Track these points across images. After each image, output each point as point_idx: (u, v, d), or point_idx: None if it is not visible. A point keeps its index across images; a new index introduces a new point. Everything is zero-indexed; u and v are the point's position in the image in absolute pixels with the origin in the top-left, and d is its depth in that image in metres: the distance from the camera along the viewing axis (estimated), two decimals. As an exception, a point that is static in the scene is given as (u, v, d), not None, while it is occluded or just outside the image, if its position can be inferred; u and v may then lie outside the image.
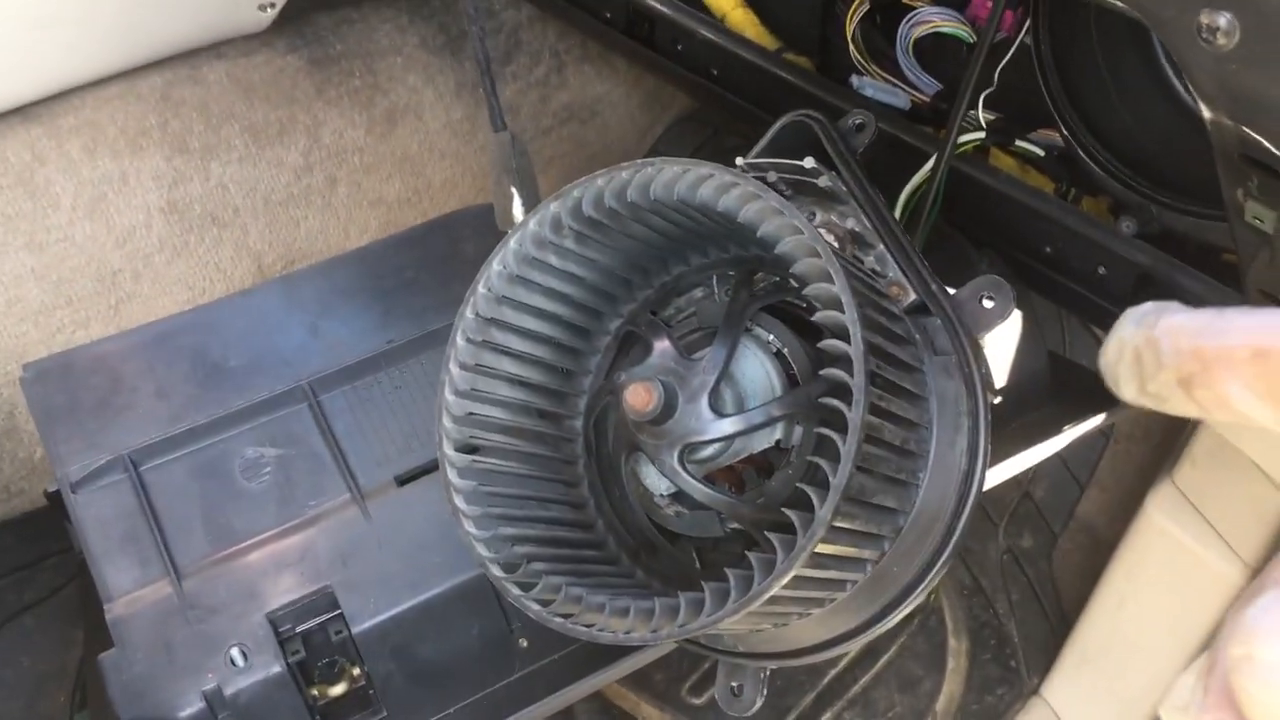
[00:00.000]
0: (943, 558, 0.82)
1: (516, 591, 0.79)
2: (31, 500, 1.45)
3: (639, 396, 0.76)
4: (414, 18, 1.73)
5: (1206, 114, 0.61)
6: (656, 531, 0.88)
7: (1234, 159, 0.63)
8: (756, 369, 0.83)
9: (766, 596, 0.71)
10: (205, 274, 1.56)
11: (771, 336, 0.85)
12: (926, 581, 0.83)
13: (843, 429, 0.71)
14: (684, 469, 0.80)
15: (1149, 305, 0.43)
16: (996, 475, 1.04)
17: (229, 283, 1.57)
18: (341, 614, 0.99)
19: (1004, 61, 1.20)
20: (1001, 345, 1.05)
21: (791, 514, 0.71)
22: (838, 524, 0.72)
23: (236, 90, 1.57)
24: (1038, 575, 1.60)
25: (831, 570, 0.77)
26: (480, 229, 1.19)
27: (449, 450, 0.83)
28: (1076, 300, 1.25)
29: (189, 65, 1.54)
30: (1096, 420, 1.12)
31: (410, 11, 1.73)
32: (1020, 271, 1.27)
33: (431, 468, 1.06)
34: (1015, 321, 1.06)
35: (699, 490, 0.79)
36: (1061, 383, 1.23)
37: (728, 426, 0.79)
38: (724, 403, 0.81)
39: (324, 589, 1.00)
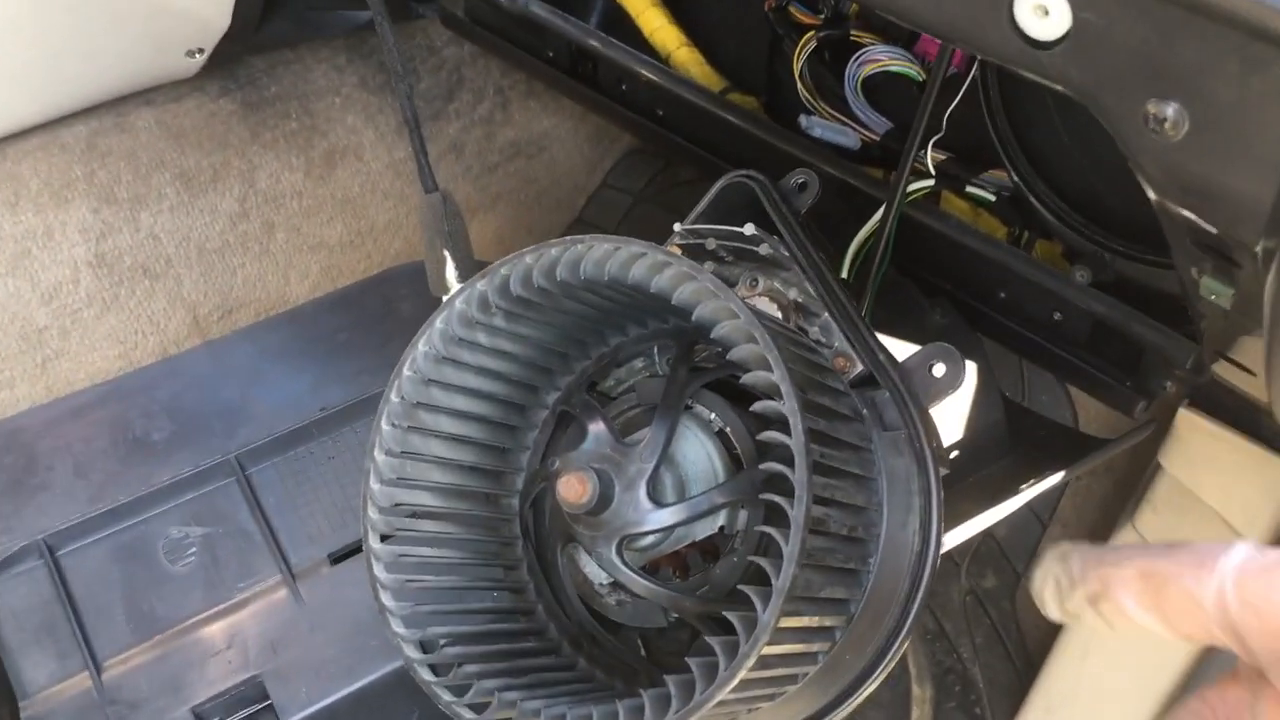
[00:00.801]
0: (898, 640, 0.79)
1: (448, 697, 0.74)
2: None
3: (572, 488, 0.72)
4: (352, 57, 1.68)
5: (1153, 198, 0.58)
6: (596, 622, 0.84)
7: (1185, 242, 0.60)
8: (697, 451, 0.79)
9: (711, 705, 0.67)
10: (137, 327, 1.50)
11: (713, 415, 0.81)
12: (882, 666, 0.80)
13: (785, 524, 0.67)
14: (622, 561, 0.76)
15: (1065, 544, 0.57)
16: (954, 538, 1.01)
17: (162, 335, 1.51)
18: (271, 705, 0.95)
19: (953, 105, 1.17)
20: (955, 401, 1.02)
21: (733, 617, 0.68)
22: (784, 624, 0.68)
23: (166, 137, 1.52)
24: (1001, 616, 1.57)
25: (779, 668, 0.73)
26: (417, 287, 1.15)
27: (374, 543, 0.79)
28: (1033, 347, 1.22)
29: (115, 113, 1.48)
30: (1056, 477, 1.09)
31: (348, 51, 1.69)
32: (974, 318, 1.24)
33: (367, 544, 1.01)
34: (969, 383, 1.03)
35: (639, 584, 0.76)
36: (1019, 432, 1.20)
37: (667, 517, 0.75)
38: (664, 490, 0.77)
39: (253, 679, 0.96)
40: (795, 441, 0.67)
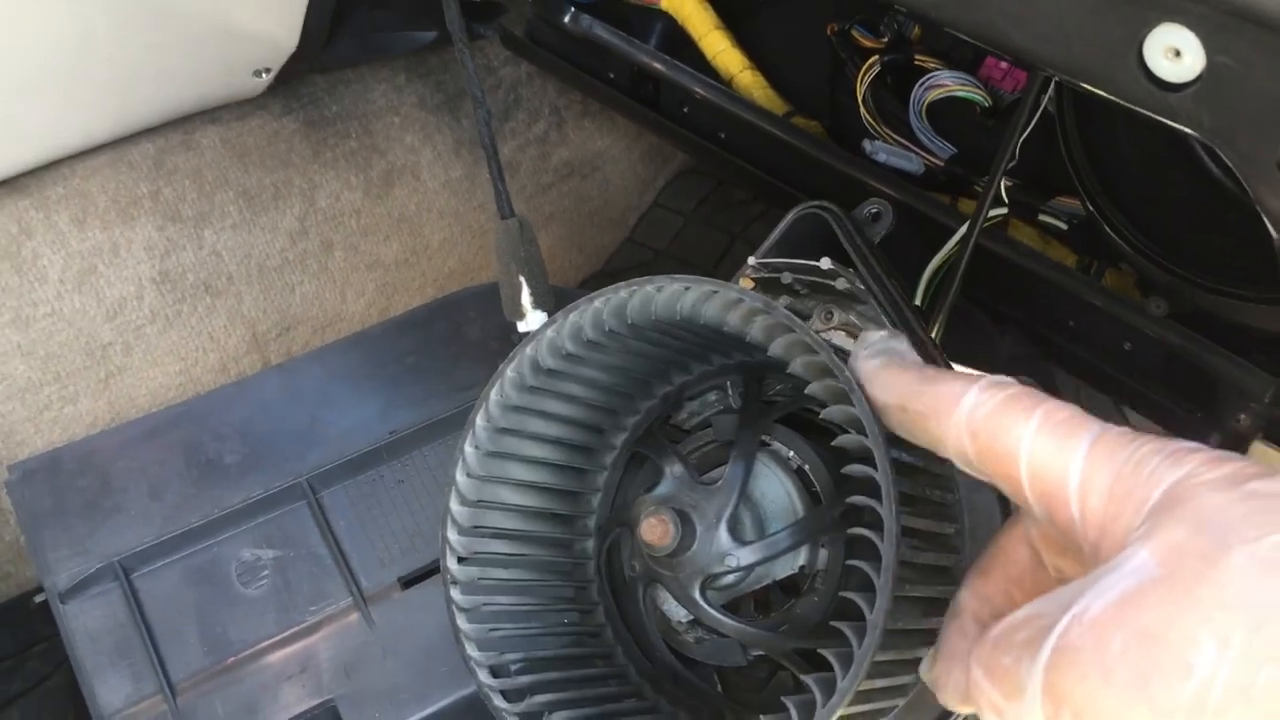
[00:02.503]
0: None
1: (522, 728, 0.74)
2: (19, 584, 1.40)
3: (655, 531, 0.72)
4: (411, 77, 1.69)
5: (1276, 237, 0.57)
6: (676, 658, 0.83)
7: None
8: (776, 489, 0.78)
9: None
10: (198, 344, 1.51)
11: (791, 453, 0.80)
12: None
13: (870, 557, 0.66)
14: (705, 600, 0.75)
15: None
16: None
17: (222, 352, 1.52)
18: (345, 730, 0.95)
19: (1025, 133, 1.16)
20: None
21: (829, 653, 0.67)
22: (878, 658, 0.67)
23: (230, 155, 1.53)
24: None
25: (873, 703, 0.72)
26: (484, 310, 1.15)
27: (452, 563, 0.79)
28: (1101, 376, 1.21)
29: (182, 131, 1.50)
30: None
31: (407, 71, 1.69)
32: (1043, 345, 1.23)
33: (436, 568, 1.01)
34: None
35: (725, 624, 0.75)
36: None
37: (749, 555, 0.74)
38: (743, 528, 0.76)
39: (326, 703, 0.95)
40: (881, 474, 0.66)
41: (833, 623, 0.70)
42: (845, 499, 0.74)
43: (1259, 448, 1.12)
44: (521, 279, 1.00)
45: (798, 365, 0.70)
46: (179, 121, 1.49)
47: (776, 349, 0.71)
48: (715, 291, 0.72)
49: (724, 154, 1.46)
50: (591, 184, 1.88)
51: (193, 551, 1.02)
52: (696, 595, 0.75)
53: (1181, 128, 0.53)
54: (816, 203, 0.90)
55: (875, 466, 0.67)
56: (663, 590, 0.81)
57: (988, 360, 1.15)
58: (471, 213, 1.76)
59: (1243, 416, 1.12)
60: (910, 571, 0.70)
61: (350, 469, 1.06)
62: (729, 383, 0.87)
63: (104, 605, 0.98)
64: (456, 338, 1.14)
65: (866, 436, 0.67)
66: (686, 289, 0.73)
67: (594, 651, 0.84)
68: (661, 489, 0.79)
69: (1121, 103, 0.55)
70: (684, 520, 0.74)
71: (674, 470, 0.79)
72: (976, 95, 1.31)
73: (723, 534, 0.74)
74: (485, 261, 1.74)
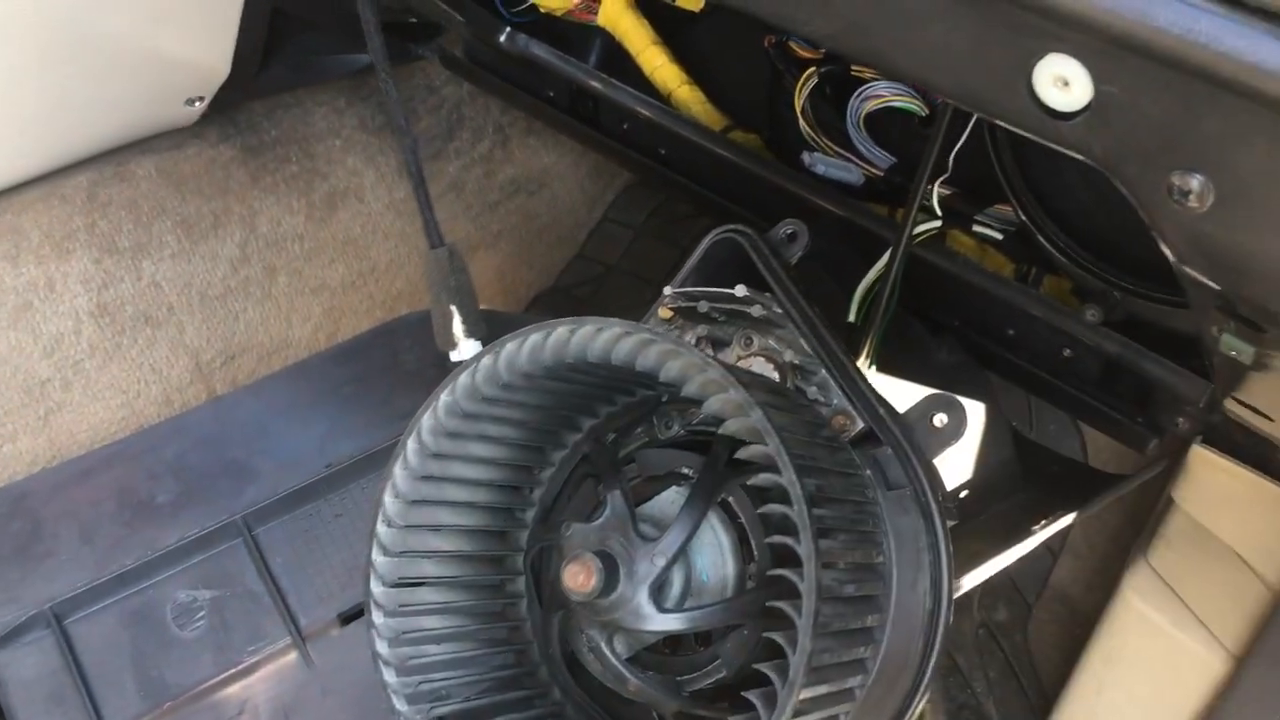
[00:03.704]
0: (913, 705, 0.78)
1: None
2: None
3: (577, 577, 0.71)
4: (351, 99, 1.68)
5: (1175, 264, 0.57)
6: (612, 695, 0.83)
7: (1208, 306, 0.59)
8: (714, 554, 0.78)
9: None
10: (140, 376, 1.49)
11: (740, 512, 0.79)
12: (899, 731, 0.79)
13: (796, 595, 0.66)
14: (613, 652, 0.75)
15: None
16: (968, 581, 1.00)
17: (165, 384, 1.50)
18: (285, 772, 0.93)
19: (959, 144, 1.16)
20: (963, 443, 1.01)
21: (754, 696, 0.66)
22: (804, 696, 0.67)
23: (167, 185, 1.51)
24: (1014, 649, 1.56)
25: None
26: (421, 337, 1.14)
27: (378, 618, 0.78)
28: (1042, 384, 1.21)
29: (115, 162, 1.48)
30: (1069, 518, 1.08)
31: (348, 93, 1.68)
32: (983, 355, 1.23)
33: (377, 603, 1.00)
34: (975, 428, 1.02)
35: (629, 681, 0.75)
36: (1030, 468, 1.19)
37: (669, 624, 0.74)
38: (670, 591, 0.75)
39: (266, 745, 0.94)
40: (797, 510, 0.66)
41: (755, 665, 0.70)
42: (769, 571, 0.74)
43: (1197, 451, 1.12)
44: (453, 308, 0.99)
45: (712, 404, 0.70)
46: (112, 152, 1.47)
47: (691, 389, 0.70)
48: (626, 334, 0.72)
49: (665, 171, 1.45)
50: (539, 201, 1.87)
51: (127, 595, 1.00)
52: (604, 647, 0.75)
53: (1073, 154, 0.53)
54: (731, 226, 0.90)
55: (791, 503, 0.67)
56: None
57: (925, 370, 1.15)
58: (418, 233, 1.74)
59: (1181, 420, 1.12)
60: (832, 606, 0.70)
61: (287, 504, 1.05)
62: (655, 417, 0.87)
63: (37, 653, 0.96)
64: (394, 366, 1.13)
65: (780, 474, 0.67)
66: (599, 331, 0.73)
67: (529, 693, 0.83)
68: (598, 521, 0.79)
69: (1015, 130, 0.55)
70: (609, 569, 0.73)
71: (615, 503, 0.78)
72: (913, 105, 1.30)
73: (644, 595, 0.73)
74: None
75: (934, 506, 0.80)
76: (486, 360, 0.77)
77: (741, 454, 0.70)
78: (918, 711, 0.79)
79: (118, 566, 1.00)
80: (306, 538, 1.03)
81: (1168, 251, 0.55)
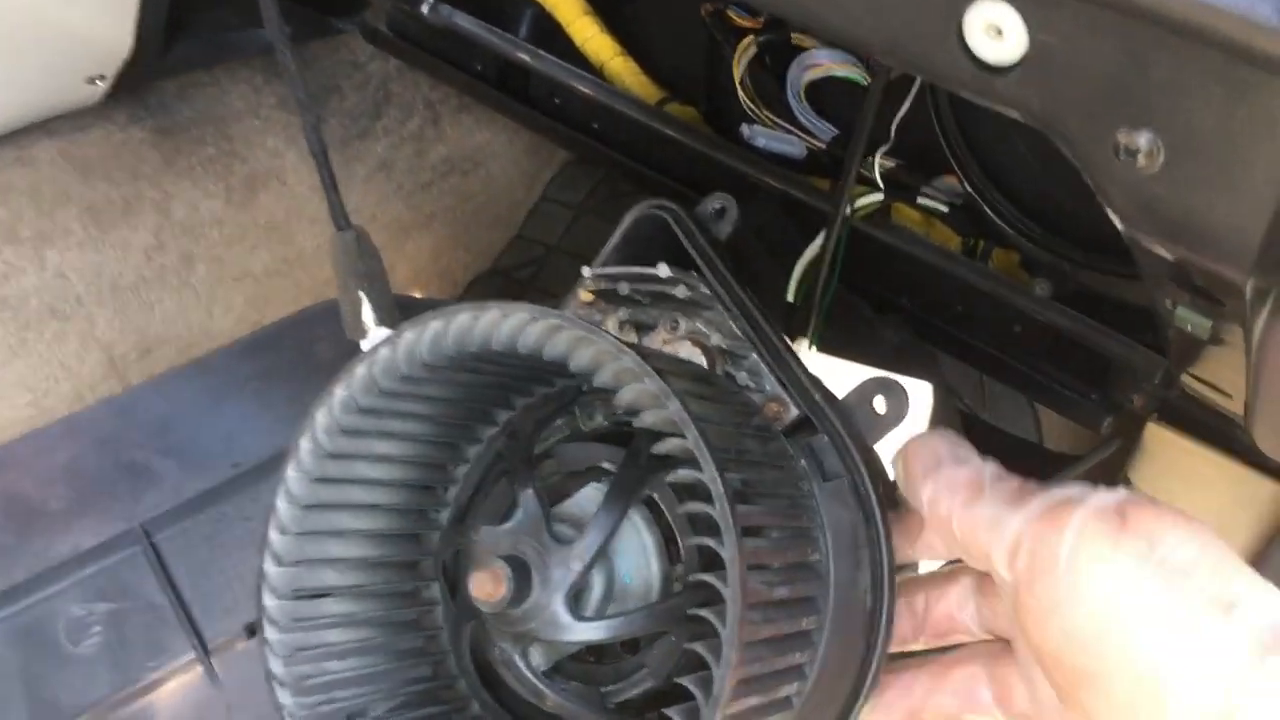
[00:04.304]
0: (854, 712, 0.73)
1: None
2: None
3: (484, 586, 0.65)
4: (269, 76, 1.60)
5: (1124, 231, 0.52)
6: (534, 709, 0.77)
7: (1161, 277, 0.54)
8: (636, 556, 0.71)
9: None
10: (49, 373, 1.41)
11: (664, 507, 0.73)
12: (842, 738, 0.73)
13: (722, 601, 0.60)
14: (524, 663, 0.69)
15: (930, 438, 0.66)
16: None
17: (76, 380, 1.42)
18: (188, 798, 0.87)
19: (901, 112, 1.11)
20: (907, 427, 0.96)
21: (675, 713, 0.61)
22: (731, 710, 0.61)
23: (71, 169, 1.42)
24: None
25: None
26: (334, 327, 1.07)
27: (271, 635, 0.71)
28: (993, 362, 1.17)
29: (14, 146, 1.39)
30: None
31: (265, 70, 1.60)
32: (930, 333, 1.19)
33: (288, 611, 0.93)
34: (920, 410, 0.97)
35: (546, 698, 0.69)
36: (982, 450, 1.14)
37: (587, 633, 0.67)
38: (589, 598, 0.69)
39: (167, 769, 0.87)
40: (719, 509, 0.60)
41: (677, 679, 0.64)
42: (690, 576, 0.68)
43: (1153, 429, 1.08)
44: (361, 294, 0.92)
45: (626, 394, 0.64)
46: (9, 136, 1.39)
47: (604, 378, 0.64)
48: (531, 319, 0.65)
49: (600, 147, 1.39)
50: (474, 180, 1.80)
51: (15, 610, 0.93)
52: (517, 659, 0.69)
53: (1010, 112, 0.48)
54: (655, 201, 0.83)
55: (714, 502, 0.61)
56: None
57: (870, 350, 1.10)
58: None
59: (1136, 398, 1.08)
60: (762, 612, 0.64)
61: (190, 509, 0.98)
62: (578, 408, 0.80)
63: (-87, 678, 0.89)
64: (306, 359, 1.06)
65: (701, 471, 0.61)
66: (505, 317, 0.66)
67: (448, 707, 0.77)
68: (510, 524, 0.72)
69: (945, 87, 0.49)
70: (520, 575, 0.67)
71: (528, 503, 0.72)
72: (856, 74, 1.25)
73: (560, 603, 0.67)
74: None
75: (873, 497, 0.74)
76: (384, 351, 0.71)
77: (659, 448, 0.64)
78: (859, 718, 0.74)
79: (5, 581, 0.93)
80: (211, 544, 0.96)
81: (1116, 218, 0.50)
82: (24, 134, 1.40)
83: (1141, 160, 0.45)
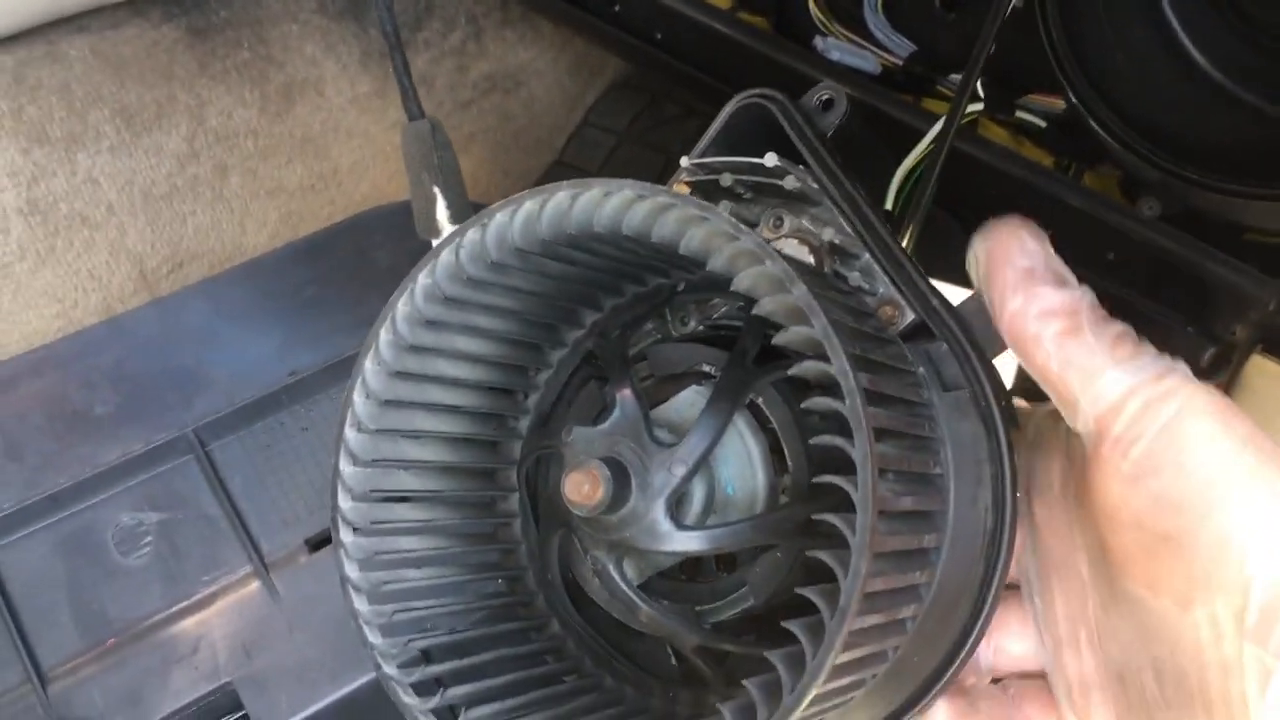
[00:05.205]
0: (971, 638, 0.67)
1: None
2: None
3: (581, 488, 0.59)
4: (309, -21, 1.52)
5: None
6: (620, 627, 0.71)
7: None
8: (740, 463, 0.66)
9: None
10: (77, 283, 1.35)
11: (769, 414, 0.67)
12: (954, 668, 0.68)
13: (846, 507, 0.55)
14: (619, 575, 0.64)
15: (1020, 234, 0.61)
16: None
17: (105, 291, 1.36)
18: (246, 716, 0.82)
19: (1001, 19, 1.04)
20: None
21: (795, 626, 0.55)
22: (855, 626, 0.56)
23: (104, 68, 1.35)
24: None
25: (842, 678, 0.61)
26: (394, 232, 1.01)
27: (346, 537, 0.66)
28: (1082, 289, 1.11)
29: (45, 40, 1.32)
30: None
31: (304, -29, 1.52)
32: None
33: (350, 526, 0.88)
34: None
35: (638, 608, 0.64)
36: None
37: (688, 543, 0.62)
38: (690, 506, 0.64)
39: (224, 687, 0.83)
40: (849, 405, 0.54)
41: (798, 589, 0.58)
42: (815, 478, 0.63)
43: (1257, 361, 1.02)
44: (436, 190, 0.86)
45: (744, 280, 0.57)
46: (41, 29, 1.31)
47: (718, 262, 0.58)
48: (640, 197, 0.59)
49: (660, 55, 1.32)
50: (515, 100, 1.73)
51: (61, 518, 0.88)
52: (612, 570, 0.64)
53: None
54: (758, 91, 0.77)
55: (843, 398, 0.55)
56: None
57: (960, 274, 1.04)
58: (384, 133, 1.60)
59: (1239, 329, 1.02)
60: (886, 523, 0.59)
61: (245, 416, 0.93)
62: (669, 310, 0.74)
63: (-44, 585, 0.84)
64: (363, 264, 1.00)
65: (830, 362, 0.55)
66: (606, 195, 0.60)
67: (525, 625, 0.72)
68: (606, 425, 0.66)
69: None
70: (619, 479, 0.61)
71: (625, 404, 0.66)
72: (936, -13, 1.18)
73: (660, 510, 0.62)
74: (402, 186, 1.58)
75: (996, 412, 0.68)
76: (472, 234, 0.64)
77: (779, 339, 0.57)
78: (974, 650, 0.69)
79: (50, 486, 0.88)
80: (268, 454, 0.90)
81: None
82: (55, 28, 1.33)
83: None
